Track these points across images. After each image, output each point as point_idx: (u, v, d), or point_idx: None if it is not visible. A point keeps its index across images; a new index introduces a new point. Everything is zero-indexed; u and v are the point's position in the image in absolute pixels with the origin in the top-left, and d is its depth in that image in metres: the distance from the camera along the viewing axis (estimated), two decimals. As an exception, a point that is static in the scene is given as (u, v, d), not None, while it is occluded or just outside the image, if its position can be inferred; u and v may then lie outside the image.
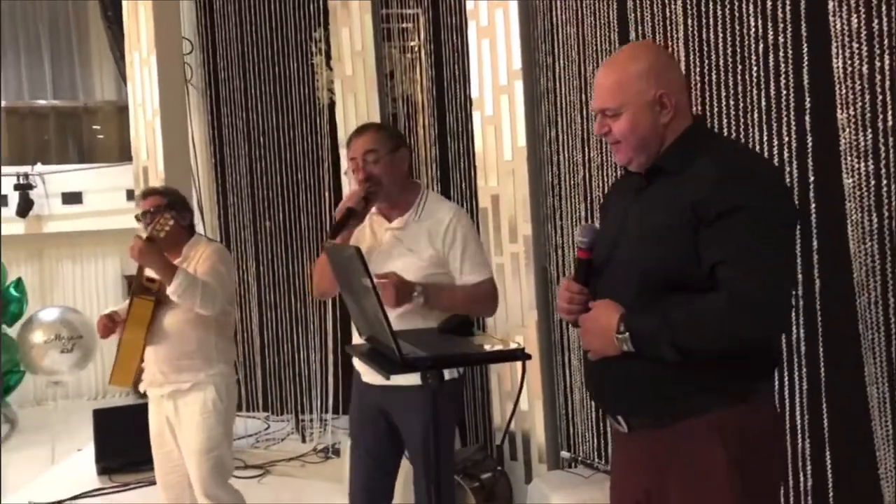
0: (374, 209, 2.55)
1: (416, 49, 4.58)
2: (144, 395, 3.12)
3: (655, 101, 1.68)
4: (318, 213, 5.23)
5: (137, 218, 3.06)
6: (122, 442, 4.91)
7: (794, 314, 2.61)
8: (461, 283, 2.48)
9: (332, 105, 5.05)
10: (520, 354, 1.85)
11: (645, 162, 1.74)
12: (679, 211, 1.62)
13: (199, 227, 5.41)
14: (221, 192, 5.54)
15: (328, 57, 5.02)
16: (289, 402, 5.49)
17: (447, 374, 2.28)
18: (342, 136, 4.59)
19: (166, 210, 2.87)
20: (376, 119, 4.52)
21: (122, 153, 8.86)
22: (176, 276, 2.74)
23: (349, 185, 2.63)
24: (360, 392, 2.63)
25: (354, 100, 4.64)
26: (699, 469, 1.65)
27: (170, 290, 2.76)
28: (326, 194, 5.14)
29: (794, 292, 2.49)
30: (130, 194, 7.85)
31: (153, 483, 4.60)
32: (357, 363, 2.61)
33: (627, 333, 1.61)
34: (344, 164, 4.49)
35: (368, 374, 2.55)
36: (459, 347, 1.90)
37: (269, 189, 5.38)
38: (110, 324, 2.96)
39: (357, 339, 2.50)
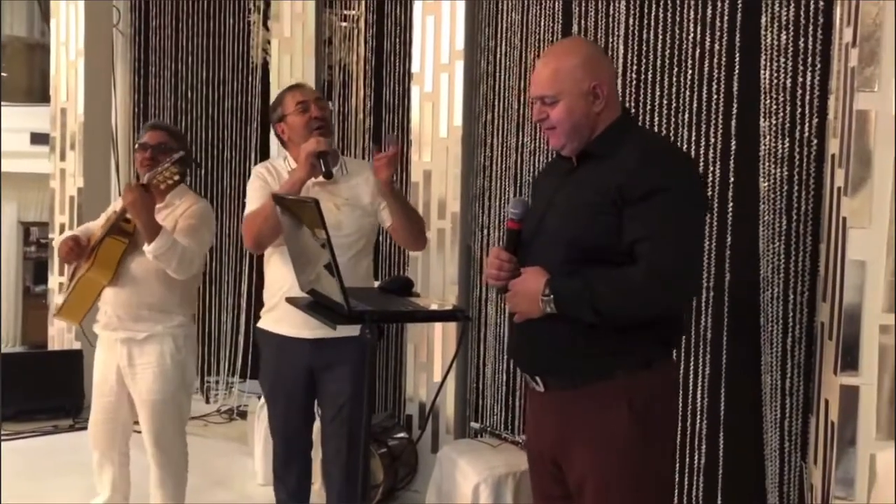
0: (289, 165, 2.66)
1: (357, 18, 4.59)
2: (38, 346, 3.01)
3: (590, 91, 1.82)
4: (242, 172, 5.16)
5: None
6: (16, 390, 4.75)
7: (703, 304, 2.82)
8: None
9: (265, 65, 5.00)
10: (460, 315, 1.93)
11: (577, 147, 1.88)
12: (605, 190, 1.77)
13: (112, 180, 5.32)
14: (142, 143, 5.39)
15: (265, 16, 4.96)
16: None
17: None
18: (274, 97, 4.55)
19: (173, 155, 2.74)
20: (311, 83, 4.50)
21: (30, 94, 8.46)
22: (159, 236, 2.65)
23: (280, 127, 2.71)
24: (283, 349, 2.66)
25: (290, 62, 4.61)
26: (606, 429, 1.79)
27: (148, 249, 2.66)
28: (253, 154, 5.09)
29: (703, 274, 2.75)
30: (36, 137, 7.51)
31: (48, 433, 4.58)
32: (280, 320, 2.63)
33: (552, 296, 1.75)
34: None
35: (298, 328, 2.58)
36: (403, 305, 1.98)
37: (193, 144, 5.27)
38: (76, 248, 2.83)
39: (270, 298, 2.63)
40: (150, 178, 2.70)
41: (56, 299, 3.08)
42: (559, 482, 1.93)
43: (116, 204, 3.11)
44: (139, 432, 3.00)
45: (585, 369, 1.82)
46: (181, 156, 2.75)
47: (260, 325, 2.76)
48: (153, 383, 2.85)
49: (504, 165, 3.72)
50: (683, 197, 1.76)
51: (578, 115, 1.83)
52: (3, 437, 4.50)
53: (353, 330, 2.38)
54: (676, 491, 2.91)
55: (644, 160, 1.77)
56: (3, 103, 8.52)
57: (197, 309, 5.34)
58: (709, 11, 2.80)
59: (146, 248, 2.68)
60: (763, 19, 2.65)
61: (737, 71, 2.74)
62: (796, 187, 2.61)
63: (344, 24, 4.67)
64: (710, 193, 2.79)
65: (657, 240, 1.70)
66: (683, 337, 2.83)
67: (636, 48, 3.04)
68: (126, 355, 2.87)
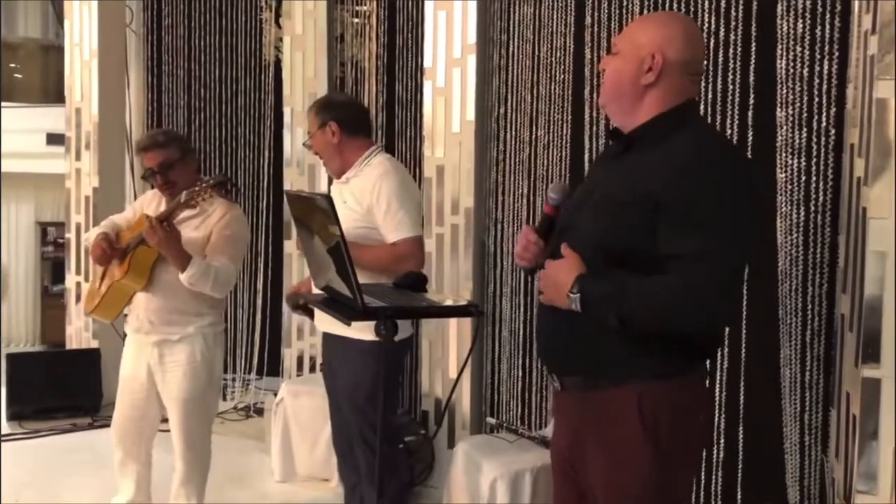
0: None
1: (368, 14, 4.58)
2: (56, 345, 3.01)
3: (646, 58, 1.71)
4: (256, 169, 5.17)
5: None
6: (35, 388, 4.79)
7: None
8: (385, 240, 2.62)
9: (277, 62, 5.00)
10: (474, 310, 1.92)
11: (615, 113, 1.81)
12: (636, 190, 1.66)
13: (127, 179, 5.34)
14: (156, 142, 5.41)
15: (277, 14, 4.96)
16: (211, 359, 5.43)
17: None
18: (287, 94, 4.56)
19: (209, 180, 2.70)
20: (324, 80, 4.51)
21: (46, 95, 8.51)
22: (190, 266, 2.66)
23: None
24: (323, 342, 2.86)
25: (303, 59, 4.60)
26: (613, 435, 1.72)
27: (182, 278, 2.69)
28: (266, 152, 5.10)
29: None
30: (51, 138, 7.55)
31: (66, 431, 4.61)
32: (317, 312, 2.72)
33: (579, 294, 1.66)
34: (287, 118, 4.49)
35: (319, 321, 2.74)
36: (417, 301, 1.96)
37: (206, 143, 5.30)
38: (109, 250, 2.85)
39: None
40: (187, 196, 2.67)
41: (79, 295, 3.08)
42: (575, 488, 1.88)
43: (144, 198, 3.12)
44: (165, 431, 3.02)
45: (597, 372, 1.74)
46: (219, 181, 2.72)
47: None
48: (183, 381, 2.87)
49: (517, 160, 3.70)
50: (728, 208, 1.60)
51: (624, 75, 1.74)
52: (22, 436, 4.55)
53: (354, 332, 2.45)
54: (695, 485, 2.89)
55: (686, 161, 1.62)
56: (19, 104, 8.59)
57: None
58: (723, 1, 2.76)
59: (181, 276, 2.70)
60: (779, 8, 2.62)
61: (753, 61, 2.71)
62: (814, 178, 2.58)
63: (356, 20, 4.66)
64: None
65: (696, 256, 1.57)
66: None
67: (650, 39, 3.01)
68: (157, 354, 2.90)
